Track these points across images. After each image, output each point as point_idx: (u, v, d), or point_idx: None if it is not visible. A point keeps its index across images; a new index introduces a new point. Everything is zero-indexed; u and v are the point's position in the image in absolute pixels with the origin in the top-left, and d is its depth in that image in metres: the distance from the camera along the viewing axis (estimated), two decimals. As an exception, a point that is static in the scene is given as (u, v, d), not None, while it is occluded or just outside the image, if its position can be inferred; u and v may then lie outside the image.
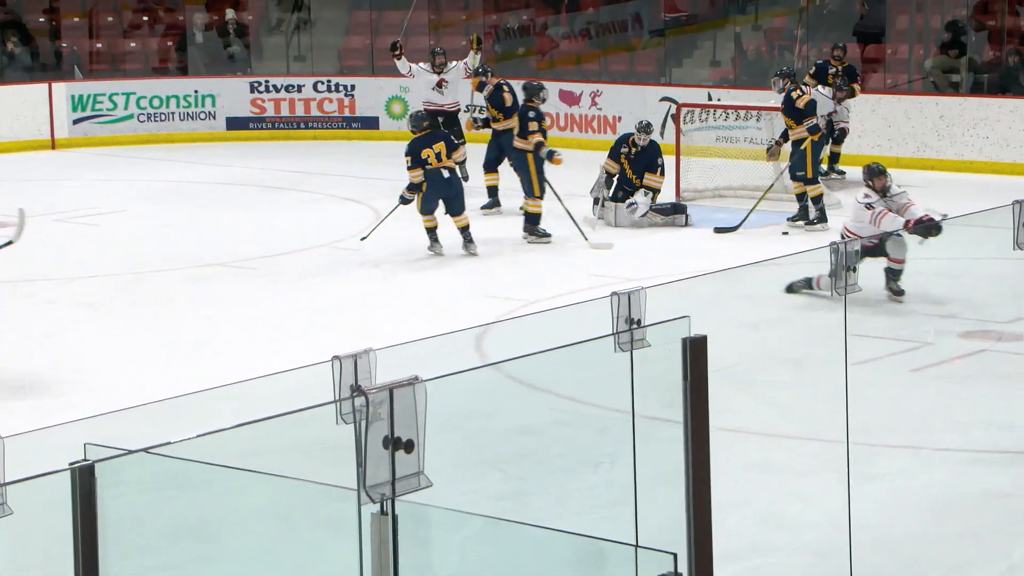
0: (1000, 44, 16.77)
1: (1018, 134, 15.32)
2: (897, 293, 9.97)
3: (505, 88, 13.96)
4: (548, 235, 12.70)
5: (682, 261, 11.77)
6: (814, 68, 15.47)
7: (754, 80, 17.20)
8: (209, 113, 19.48)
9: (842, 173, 15.21)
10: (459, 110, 15.01)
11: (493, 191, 14.04)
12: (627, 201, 13.35)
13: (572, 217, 12.66)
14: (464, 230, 12.20)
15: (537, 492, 6.77)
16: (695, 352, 3.52)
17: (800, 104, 13.07)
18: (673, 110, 15.20)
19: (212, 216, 14.15)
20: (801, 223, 13.04)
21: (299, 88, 19.53)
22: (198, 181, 16.33)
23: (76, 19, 20.90)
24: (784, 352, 9.21)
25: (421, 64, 15.22)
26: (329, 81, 19.57)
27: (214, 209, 14.56)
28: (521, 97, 13.37)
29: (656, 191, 13.39)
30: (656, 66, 18.87)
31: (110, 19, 20.93)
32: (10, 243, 9.09)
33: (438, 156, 11.93)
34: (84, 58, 20.44)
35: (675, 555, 3.01)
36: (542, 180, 12.73)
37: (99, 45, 20.69)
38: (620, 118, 16.96)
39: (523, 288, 11.01)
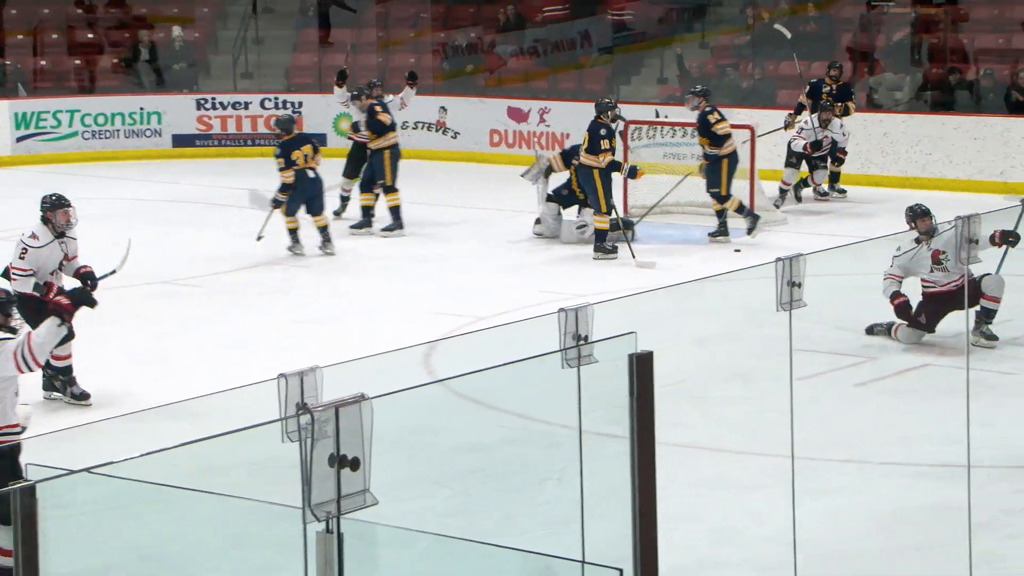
0: (943, 62, 16.96)
1: (961, 151, 15.47)
2: (989, 338, 9.30)
3: (378, 108, 13.96)
4: (614, 250, 12.72)
5: (629, 277, 11.82)
6: (808, 87, 15.39)
7: (701, 97, 17.29)
8: (155, 131, 19.37)
9: (843, 191, 15.25)
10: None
11: (368, 211, 14.01)
12: (577, 222, 13.44)
13: (626, 236, 12.75)
14: (323, 230, 12.92)
15: (485, 509, 6.77)
16: (641, 368, 3.54)
17: (716, 129, 13.16)
18: (621, 127, 15.26)
19: (159, 234, 14.06)
20: (722, 239, 13.14)
21: (246, 105, 19.46)
22: (144, 199, 16.23)
23: (20, 36, 20.73)
24: (732, 367, 9.26)
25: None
26: (276, 98, 19.51)
27: (161, 227, 14.46)
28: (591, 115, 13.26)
29: None
30: (604, 83, 18.95)
31: (55, 36, 20.78)
32: (113, 272, 9.08)
33: (306, 158, 12.84)
34: (28, 76, 20.27)
35: (621, 571, 3.02)
36: (608, 196, 12.76)
37: (43, 63, 20.53)
38: (568, 135, 17.02)
39: (472, 304, 11.01)
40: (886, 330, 9.60)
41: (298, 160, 12.79)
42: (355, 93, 14.26)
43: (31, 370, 6.23)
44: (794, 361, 4.73)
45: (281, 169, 12.79)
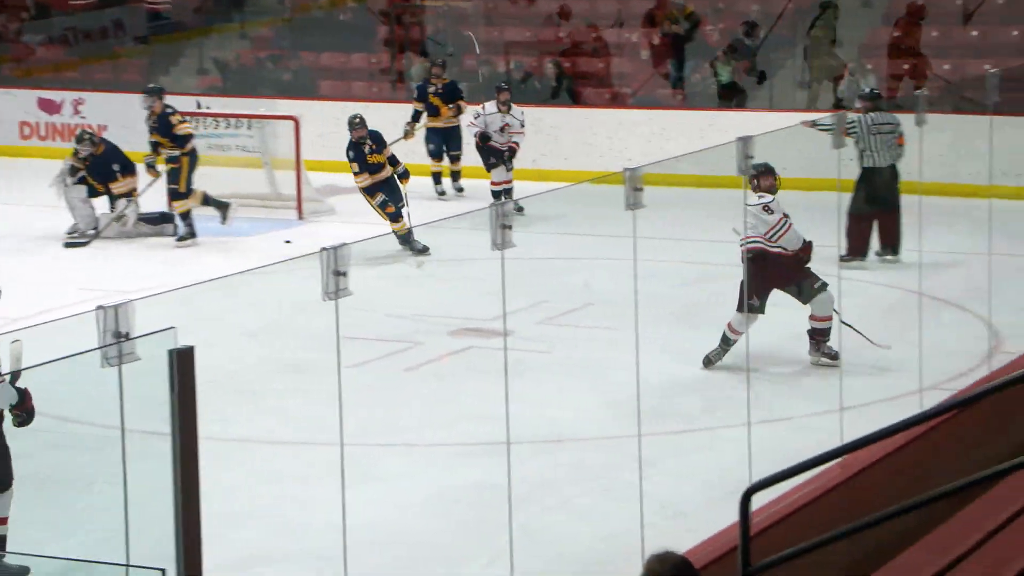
0: (508, 55, 17.47)
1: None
2: (833, 357, 8.55)
3: None
4: (424, 248, 12.13)
5: (175, 271, 11.57)
6: (416, 91, 14.95)
7: (243, 89, 17.16)
8: None
9: (461, 189, 14.88)
10: None
11: None
12: (115, 214, 13.05)
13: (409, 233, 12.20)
14: None
15: (26, 519, 6.45)
16: (182, 363, 3.47)
17: (178, 131, 12.99)
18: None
19: None
20: (189, 241, 12.88)
21: None
22: None
23: None
24: (282, 359, 9.26)
25: None
26: None
27: None
28: None
29: (125, 195, 13.06)
30: (142, 74, 18.47)
31: None
32: None
33: None
34: None
35: (163, 571, 2.95)
36: (381, 205, 12.27)
37: None
38: (106, 127, 16.45)
39: (4, 305, 10.44)
40: (723, 348, 8.71)
41: None
42: None
43: None
44: (344, 349, 4.77)
45: None
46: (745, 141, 6.04)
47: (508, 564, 5.34)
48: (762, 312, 8.59)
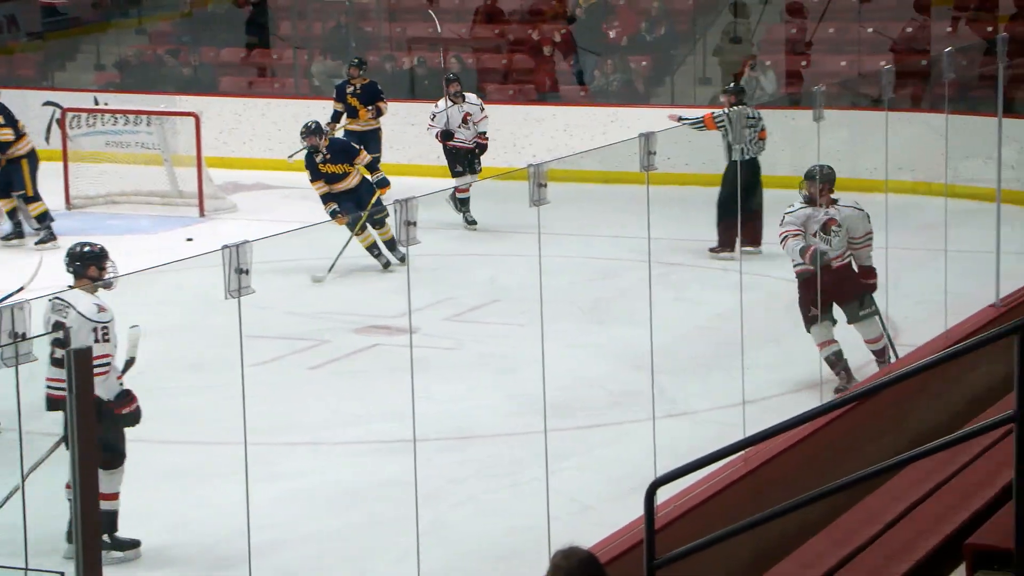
0: (379, 49, 17.46)
1: (399, 136, 15.87)
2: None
3: None
4: (387, 264, 11.46)
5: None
6: (335, 91, 14.24)
7: (142, 85, 16.94)
8: None
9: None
10: None
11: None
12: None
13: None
14: None
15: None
16: (79, 363, 3.41)
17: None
18: (58, 115, 14.66)
19: None
20: (14, 241, 12.62)
21: None
22: None
23: None
24: (185, 358, 9.15)
25: None
26: None
27: None
28: None
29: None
30: (37, 70, 18.17)
31: None
32: (21, 289, 8.21)
33: None
34: None
35: (62, 573, 2.90)
36: (331, 214, 11.56)
37: None
38: (-2, 124, 16.16)
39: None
40: (841, 374, 8.34)
41: None
42: None
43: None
44: (248, 347, 4.73)
45: None
46: (647, 137, 6.08)
47: (415, 561, 5.33)
48: (831, 318, 8.38)
